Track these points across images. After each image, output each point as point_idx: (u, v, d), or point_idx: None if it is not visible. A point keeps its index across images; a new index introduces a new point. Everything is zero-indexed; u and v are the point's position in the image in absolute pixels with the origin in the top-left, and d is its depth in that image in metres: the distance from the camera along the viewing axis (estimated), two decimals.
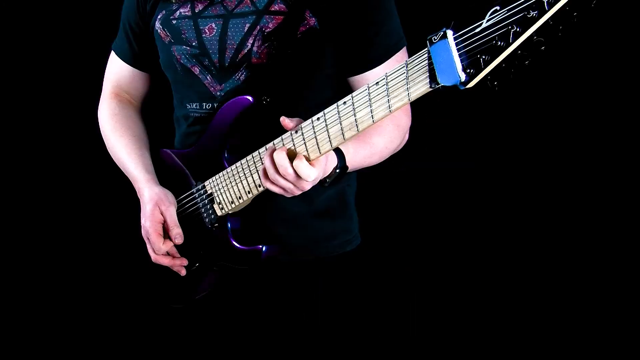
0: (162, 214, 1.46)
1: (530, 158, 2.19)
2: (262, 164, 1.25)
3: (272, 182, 1.22)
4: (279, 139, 1.24)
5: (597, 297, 2.16)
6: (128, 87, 1.64)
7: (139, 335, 2.33)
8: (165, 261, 1.48)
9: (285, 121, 1.19)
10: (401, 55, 1.40)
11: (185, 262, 1.49)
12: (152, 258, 1.49)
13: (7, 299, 2.47)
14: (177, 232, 1.45)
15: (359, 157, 1.34)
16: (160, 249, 1.45)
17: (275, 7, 1.37)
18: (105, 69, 1.67)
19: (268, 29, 1.36)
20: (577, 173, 2.17)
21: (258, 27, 1.37)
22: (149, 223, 1.45)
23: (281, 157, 1.18)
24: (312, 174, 1.17)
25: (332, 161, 1.26)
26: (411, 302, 2.30)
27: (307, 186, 1.21)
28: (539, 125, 2.15)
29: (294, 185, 1.20)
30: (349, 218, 1.55)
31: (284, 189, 1.22)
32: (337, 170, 1.27)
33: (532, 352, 2.23)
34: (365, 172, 1.47)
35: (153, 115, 1.69)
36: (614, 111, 2.07)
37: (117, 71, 1.63)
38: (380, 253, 2.18)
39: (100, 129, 1.64)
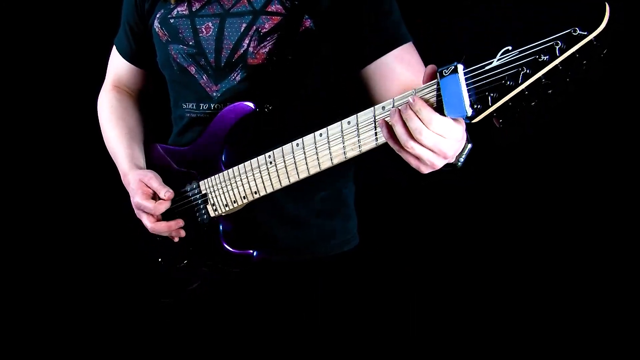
0: (147, 185, 1.45)
1: (530, 159, 2.19)
2: (273, 167, 1.22)
3: (408, 151, 1.02)
4: (279, 149, 1.24)
5: (597, 298, 2.18)
6: (127, 81, 1.66)
7: (132, 332, 2.33)
8: (162, 227, 1.45)
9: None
10: (410, 49, 1.37)
11: (181, 222, 1.46)
12: (150, 228, 1.46)
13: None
14: (165, 191, 1.42)
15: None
16: (157, 208, 1.42)
17: (272, 8, 1.36)
18: (106, 63, 1.68)
19: (264, 30, 1.36)
20: (577, 173, 2.18)
21: (254, 27, 1.37)
22: (138, 195, 1.44)
23: (424, 112, 0.98)
24: (457, 131, 1.00)
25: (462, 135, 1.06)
26: (410, 301, 2.32)
27: (448, 150, 1.02)
28: (539, 126, 2.15)
29: (434, 153, 1.02)
30: (348, 218, 1.55)
31: (419, 158, 1.03)
32: (470, 144, 1.09)
33: (532, 352, 2.25)
34: (365, 173, 1.48)
35: (156, 112, 1.69)
36: (613, 111, 2.08)
37: (117, 65, 1.65)
38: (378, 253, 2.19)
39: (98, 117, 1.66)
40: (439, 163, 1.04)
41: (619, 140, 2.10)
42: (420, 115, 0.98)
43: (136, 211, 1.49)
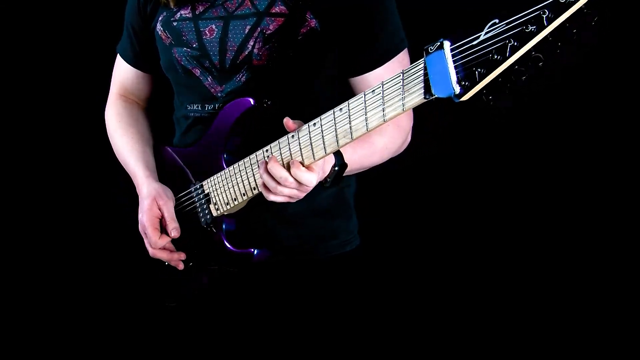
0: (159, 209, 1.46)
1: (531, 161, 2.17)
2: (259, 173, 1.25)
3: (276, 194, 1.22)
4: (276, 142, 1.23)
5: (597, 298, 2.14)
6: (132, 88, 1.66)
7: (134, 334, 2.33)
8: (162, 255, 1.47)
9: (288, 122, 1.18)
10: (402, 57, 1.39)
11: (183, 256, 1.48)
12: (150, 253, 1.49)
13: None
14: (174, 227, 1.44)
15: (357, 155, 1.32)
16: (156, 243, 1.45)
17: (276, 9, 1.36)
18: (111, 71, 1.69)
19: (269, 31, 1.36)
20: (577, 174, 2.14)
21: (259, 29, 1.36)
22: (146, 217, 1.45)
23: (278, 169, 1.19)
24: (312, 178, 1.18)
25: (330, 161, 1.24)
26: (411, 302, 2.29)
27: (310, 189, 1.22)
28: (539, 127, 2.11)
29: (298, 190, 1.21)
30: (349, 218, 1.54)
31: (289, 196, 1.22)
32: (336, 169, 1.24)
33: (532, 352, 2.21)
34: (364, 174, 1.46)
35: (157, 113, 1.70)
36: (612, 112, 2.04)
37: (121, 73, 1.65)
38: (379, 254, 2.16)
39: (107, 129, 1.66)
40: (303, 195, 1.24)
41: (619, 138, 2.06)
42: (273, 174, 1.19)
43: (140, 228, 1.50)
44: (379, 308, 2.17)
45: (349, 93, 1.43)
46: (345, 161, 1.25)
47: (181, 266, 1.49)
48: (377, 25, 1.35)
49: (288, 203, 1.37)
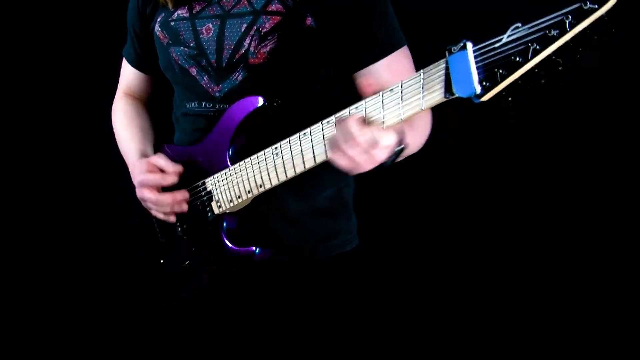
0: (152, 164, 1.43)
1: (532, 161, 2.18)
2: (279, 157, 1.22)
3: (343, 153, 1.10)
4: (286, 140, 1.24)
5: (597, 299, 2.15)
6: (137, 89, 1.69)
7: (135, 334, 2.31)
8: (166, 198, 1.42)
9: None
10: (405, 52, 1.40)
11: (186, 194, 1.43)
12: (153, 201, 1.42)
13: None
14: (173, 164, 1.41)
15: (410, 137, 1.23)
16: (163, 179, 1.40)
17: (273, 7, 1.37)
18: (115, 73, 1.72)
19: (265, 29, 1.36)
20: (577, 172, 2.15)
21: (255, 27, 1.37)
22: (143, 173, 1.42)
23: (352, 125, 1.07)
24: (389, 138, 1.09)
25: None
26: (411, 302, 2.29)
27: (381, 156, 1.11)
28: (540, 127, 2.15)
29: (366, 155, 1.10)
30: (348, 218, 1.54)
31: (354, 160, 1.11)
32: (401, 147, 1.15)
33: (532, 352, 2.21)
34: (365, 173, 1.46)
35: (157, 112, 1.71)
36: (613, 110, 2.07)
37: (126, 75, 1.69)
38: (379, 253, 2.16)
39: (112, 124, 1.68)
40: (369, 167, 1.13)
41: (619, 138, 2.08)
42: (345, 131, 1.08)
43: (138, 191, 1.45)
44: (381, 307, 2.17)
45: (349, 94, 1.44)
46: (406, 140, 1.18)
47: (185, 207, 1.43)
48: (374, 23, 1.36)
49: (289, 202, 1.37)
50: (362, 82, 1.35)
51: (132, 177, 1.53)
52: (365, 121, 1.09)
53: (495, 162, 2.20)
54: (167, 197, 1.42)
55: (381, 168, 1.15)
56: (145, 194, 1.43)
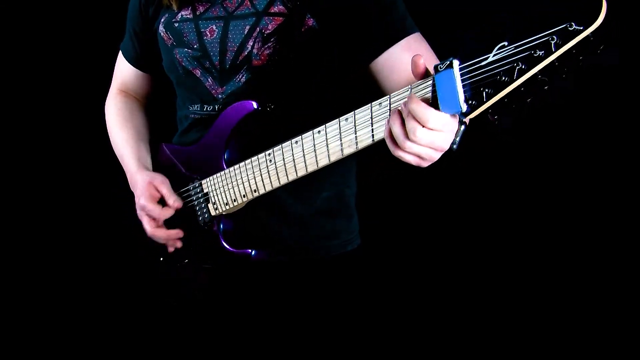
0: (156, 189, 1.47)
1: (534, 162, 2.17)
2: (272, 163, 1.22)
3: (406, 151, 1.02)
4: (279, 147, 1.24)
5: (597, 299, 2.15)
6: (132, 85, 1.68)
7: (135, 333, 2.32)
8: (161, 233, 1.47)
9: (418, 61, 1.02)
10: (419, 38, 1.35)
11: (180, 233, 1.48)
12: (149, 232, 1.48)
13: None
14: (174, 199, 1.45)
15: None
16: (161, 214, 1.45)
17: (275, 9, 1.37)
18: (110, 71, 1.71)
19: (268, 31, 1.36)
20: (576, 172, 2.14)
21: (258, 28, 1.37)
22: (144, 197, 1.46)
23: (419, 106, 0.97)
24: (453, 126, 0.99)
25: (454, 121, 1.03)
26: (413, 302, 2.30)
27: (444, 145, 1.02)
28: (540, 128, 2.14)
29: (431, 149, 1.02)
30: (349, 218, 1.54)
31: (419, 156, 1.03)
32: (465, 125, 1.02)
33: (531, 352, 2.21)
34: (364, 174, 1.47)
35: (158, 112, 1.71)
36: (612, 110, 2.05)
37: (122, 71, 1.67)
38: (380, 253, 2.17)
39: (106, 122, 1.68)
40: (437, 156, 1.05)
41: (619, 138, 2.07)
42: (415, 114, 0.98)
43: (139, 212, 1.50)
44: (382, 306, 2.19)
45: (349, 94, 1.44)
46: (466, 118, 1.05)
47: (179, 244, 1.49)
48: (384, 11, 1.33)
49: (289, 203, 1.38)
50: (385, 69, 1.32)
51: (130, 185, 1.54)
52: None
53: (497, 164, 2.18)
54: (162, 233, 1.47)
55: (449, 152, 1.06)
56: (144, 220, 1.48)
